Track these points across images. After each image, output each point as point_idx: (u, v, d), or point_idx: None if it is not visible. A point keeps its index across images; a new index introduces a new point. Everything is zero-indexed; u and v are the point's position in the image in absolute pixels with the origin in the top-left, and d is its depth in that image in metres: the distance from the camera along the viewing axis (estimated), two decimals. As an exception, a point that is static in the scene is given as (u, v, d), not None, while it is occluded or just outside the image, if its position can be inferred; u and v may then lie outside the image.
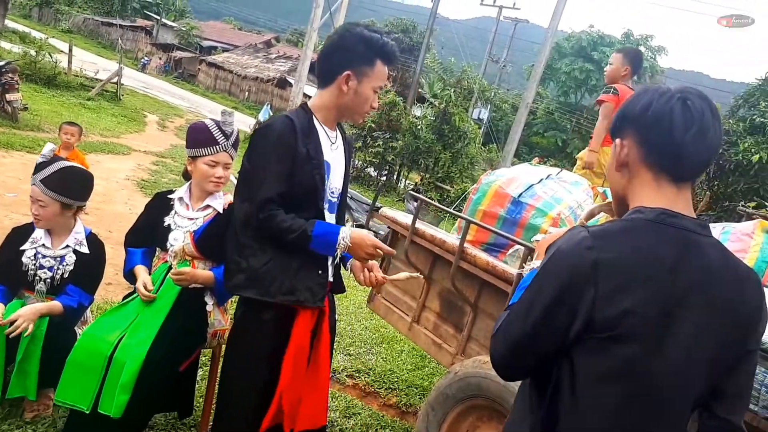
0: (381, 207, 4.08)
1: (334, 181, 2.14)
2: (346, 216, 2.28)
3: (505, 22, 30.05)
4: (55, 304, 2.44)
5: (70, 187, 2.51)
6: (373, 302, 3.44)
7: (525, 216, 2.88)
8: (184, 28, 39.93)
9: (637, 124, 1.25)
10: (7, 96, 9.37)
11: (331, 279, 2.19)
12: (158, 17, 41.24)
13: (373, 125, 15.37)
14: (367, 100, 2.06)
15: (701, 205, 11.81)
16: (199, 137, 2.44)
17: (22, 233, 2.60)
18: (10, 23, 23.77)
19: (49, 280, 2.53)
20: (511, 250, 2.89)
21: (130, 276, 2.53)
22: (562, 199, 2.94)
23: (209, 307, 2.41)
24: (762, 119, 12.50)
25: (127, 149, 10.24)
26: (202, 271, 2.40)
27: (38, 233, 2.55)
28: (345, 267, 2.25)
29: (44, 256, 2.53)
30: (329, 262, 2.13)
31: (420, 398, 3.91)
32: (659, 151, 1.24)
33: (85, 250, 2.60)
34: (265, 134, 1.98)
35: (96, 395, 2.18)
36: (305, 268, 2.06)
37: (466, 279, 2.74)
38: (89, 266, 2.61)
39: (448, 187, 15.08)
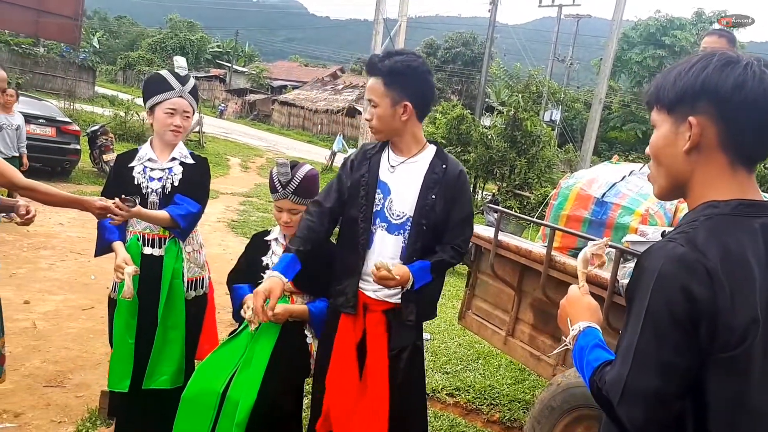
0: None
1: (398, 204, 2.20)
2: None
3: (567, 20, 29.37)
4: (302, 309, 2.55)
5: None
6: (464, 319, 3.43)
7: (612, 216, 2.79)
8: (254, 72, 41.77)
9: (724, 104, 1.07)
10: (104, 157, 10.22)
11: (375, 293, 2.21)
12: (229, 65, 43.47)
13: (443, 141, 15.35)
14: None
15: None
16: (269, 184, 2.59)
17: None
18: (99, 89, 25.88)
19: None
20: (601, 253, 2.81)
21: (238, 314, 2.67)
22: (648, 194, 2.81)
23: (309, 340, 2.51)
24: None
25: (215, 193, 10.77)
26: (296, 306, 2.51)
27: None
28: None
29: None
30: (363, 269, 2.21)
31: (524, 412, 3.83)
32: (745, 136, 1.10)
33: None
34: None
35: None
36: (346, 270, 2.25)
37: (558, 287, 2.69)
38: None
39: (527, 194, 14.75)
